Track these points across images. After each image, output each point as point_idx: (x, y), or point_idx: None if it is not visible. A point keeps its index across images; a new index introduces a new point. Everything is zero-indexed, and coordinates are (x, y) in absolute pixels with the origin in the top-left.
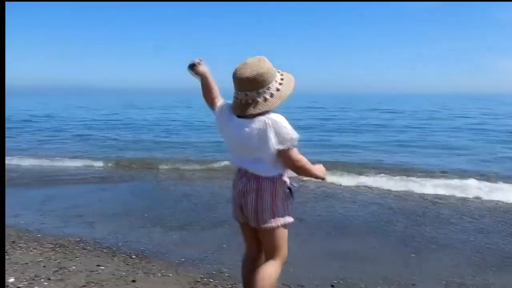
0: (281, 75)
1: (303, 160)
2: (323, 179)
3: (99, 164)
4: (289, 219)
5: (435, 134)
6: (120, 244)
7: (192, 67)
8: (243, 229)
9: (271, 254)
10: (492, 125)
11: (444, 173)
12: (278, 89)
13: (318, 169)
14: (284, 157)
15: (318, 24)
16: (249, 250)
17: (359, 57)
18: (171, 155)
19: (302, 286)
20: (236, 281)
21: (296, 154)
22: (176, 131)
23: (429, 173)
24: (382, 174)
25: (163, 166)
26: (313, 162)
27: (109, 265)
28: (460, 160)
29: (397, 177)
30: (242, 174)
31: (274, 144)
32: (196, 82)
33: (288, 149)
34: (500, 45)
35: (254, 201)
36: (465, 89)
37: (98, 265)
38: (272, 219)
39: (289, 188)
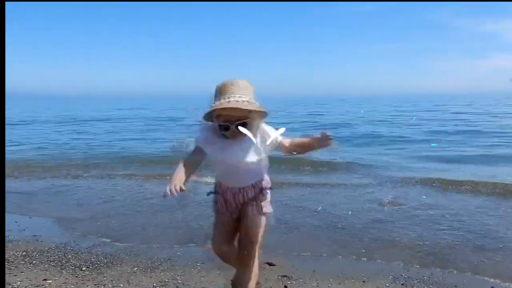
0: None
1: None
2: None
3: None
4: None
5: None
6: (69, 256)
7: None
8: None
9: None
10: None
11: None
12: None
13: (174, 175)
14: None
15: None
16: None
17: (302, 58)
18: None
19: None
20: None
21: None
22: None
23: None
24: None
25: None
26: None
27: (56, 278)
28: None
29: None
30: None
31: None
32: None
33: None
34: (436, 46)
35: None
36: (401, 89)
37: (44, 279)
38: None
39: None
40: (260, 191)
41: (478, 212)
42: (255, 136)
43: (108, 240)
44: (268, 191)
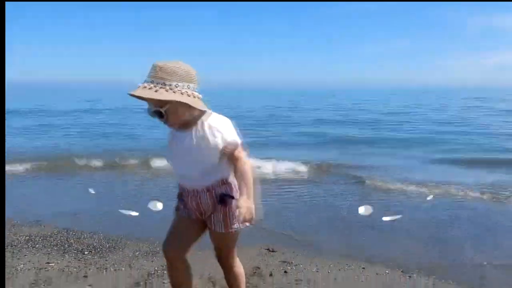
0: None
1: None
2: None
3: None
4: None
5: None
6: (71, 240)
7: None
8: None
9: None
10: None
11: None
12: None
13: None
14: None
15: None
16: None
17: (316, 55)
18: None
19: (256, 270)
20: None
21: None
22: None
23: None
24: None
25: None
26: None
27: (59, 262)
28: None
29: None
30: None
31: None
32: None
33: None
34: (441, 43)
35: None
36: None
37: (47, 263)
38: None
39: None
40: (222, 202)
41: (477, 205)
42: (191, 127)
43: (110, 225)
44: (234, 200)
